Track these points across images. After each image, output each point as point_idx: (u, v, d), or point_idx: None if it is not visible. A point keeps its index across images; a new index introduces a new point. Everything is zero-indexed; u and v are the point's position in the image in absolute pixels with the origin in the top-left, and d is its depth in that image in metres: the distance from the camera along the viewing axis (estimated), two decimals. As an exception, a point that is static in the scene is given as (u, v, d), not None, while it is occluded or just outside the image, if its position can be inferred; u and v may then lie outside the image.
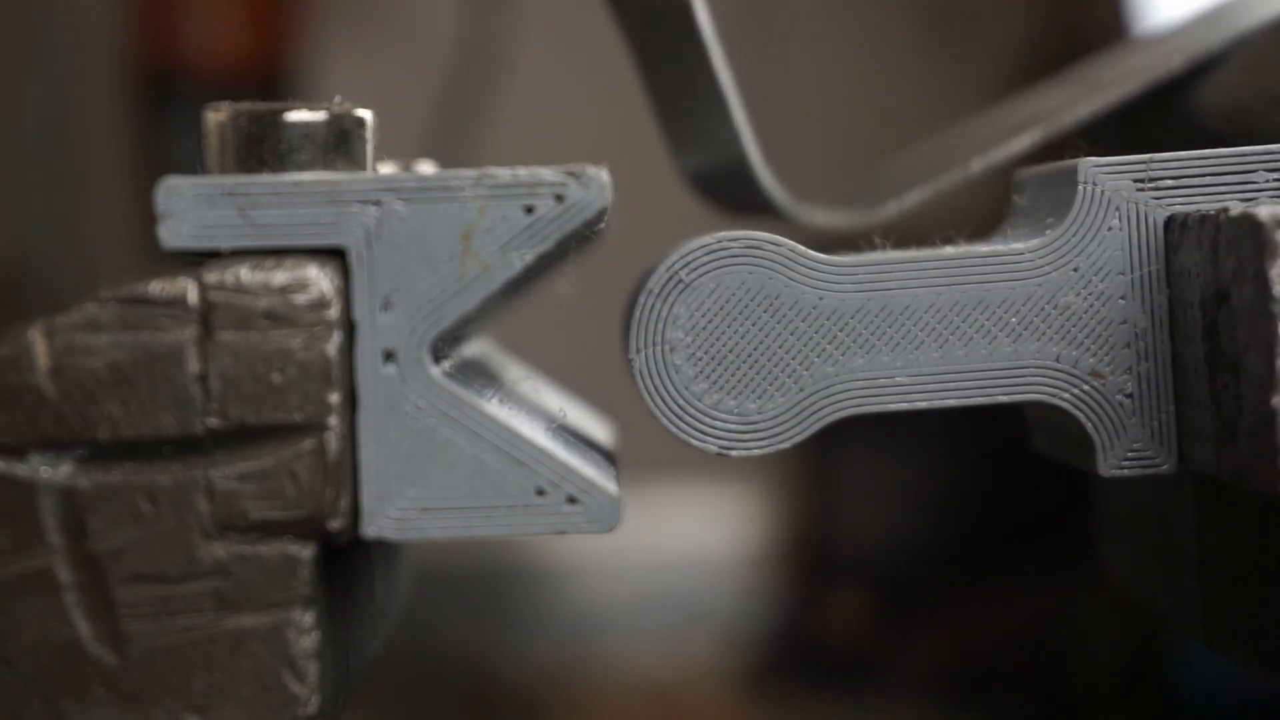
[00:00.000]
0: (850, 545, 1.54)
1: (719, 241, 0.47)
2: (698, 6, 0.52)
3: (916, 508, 1.54)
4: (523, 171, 0.45)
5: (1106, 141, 0.58)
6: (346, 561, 0.47)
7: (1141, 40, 0.59)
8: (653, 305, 0.47)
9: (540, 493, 0.45)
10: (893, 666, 1.43)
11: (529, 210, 0.45)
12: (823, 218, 0.54)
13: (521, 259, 0.45)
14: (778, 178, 0.55)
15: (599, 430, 0.61)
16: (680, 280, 0.47)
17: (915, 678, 1.41)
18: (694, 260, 0.47)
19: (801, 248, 0.47)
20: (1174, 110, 0.54)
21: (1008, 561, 1.47)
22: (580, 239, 0.46)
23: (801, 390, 0.47)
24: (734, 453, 0.47)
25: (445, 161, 0.57)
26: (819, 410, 0.47)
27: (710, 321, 0.47)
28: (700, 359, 0.47)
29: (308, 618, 0.43)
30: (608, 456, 0.53)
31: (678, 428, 0.47)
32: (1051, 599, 1.40)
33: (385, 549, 0.55)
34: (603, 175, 0.45)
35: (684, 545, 1.67)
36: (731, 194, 0.56)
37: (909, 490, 1.53)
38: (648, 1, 0.54)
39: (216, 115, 0.46)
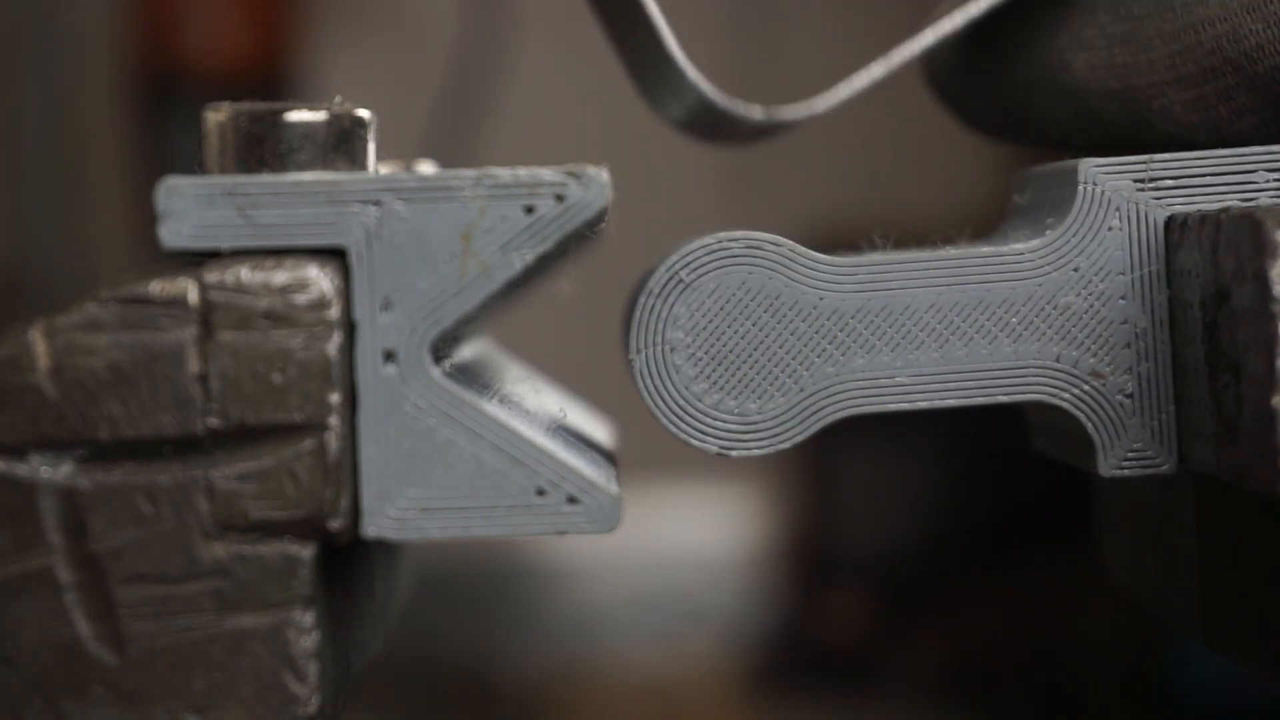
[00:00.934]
0: (850, 545, 1.54)
1: (719, 241, 0.47)
2: None
3: (916, 508, 1.54)
4: (523, 171, 0.45)
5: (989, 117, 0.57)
6: (346, 561, 0.47)
7: None
8: (653, 305, 0.47)
9: (540, 493, 0.45)
10: (893, 666, 1.43)
11: (529, 210, 0.45)
12: (760, 113, 0.54)
13: (522, 259, 0.45)
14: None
15: (599, 430, 0.61)
16: (680, 280, 0.47)
17: (915, 678, 1.41)
18: (694, 260, 0.47)
19: (802, 248, 0.47)
20: (1053, 82, 0.54)
21: (1008, 561, 1.47)
22: (580, 239, 0.46)
23: (802, 390, 0.47)
24: (734, 453, 0.47)
25: (445, 161, 0.57)
26: (819, 410, 0.47)
27: (710, 321, 0.47)
28: (700, 359, 0.47)
29: (308, 618, 0.43)
30: (608, 456, 0.53)
31: (678, 428, 0.47)
32: (1051, 599, 1.40)
33: (385, 549, 0.55)
34: (603, 175, 0.45)
35: (684, 545, 1.67)
36: (702, 126, 0.56)
37: (909, 490, 1.53)
38: None
39: (216, 115, 0.46)
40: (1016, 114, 0.56)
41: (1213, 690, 1.25)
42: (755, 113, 0.53)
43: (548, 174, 0.45)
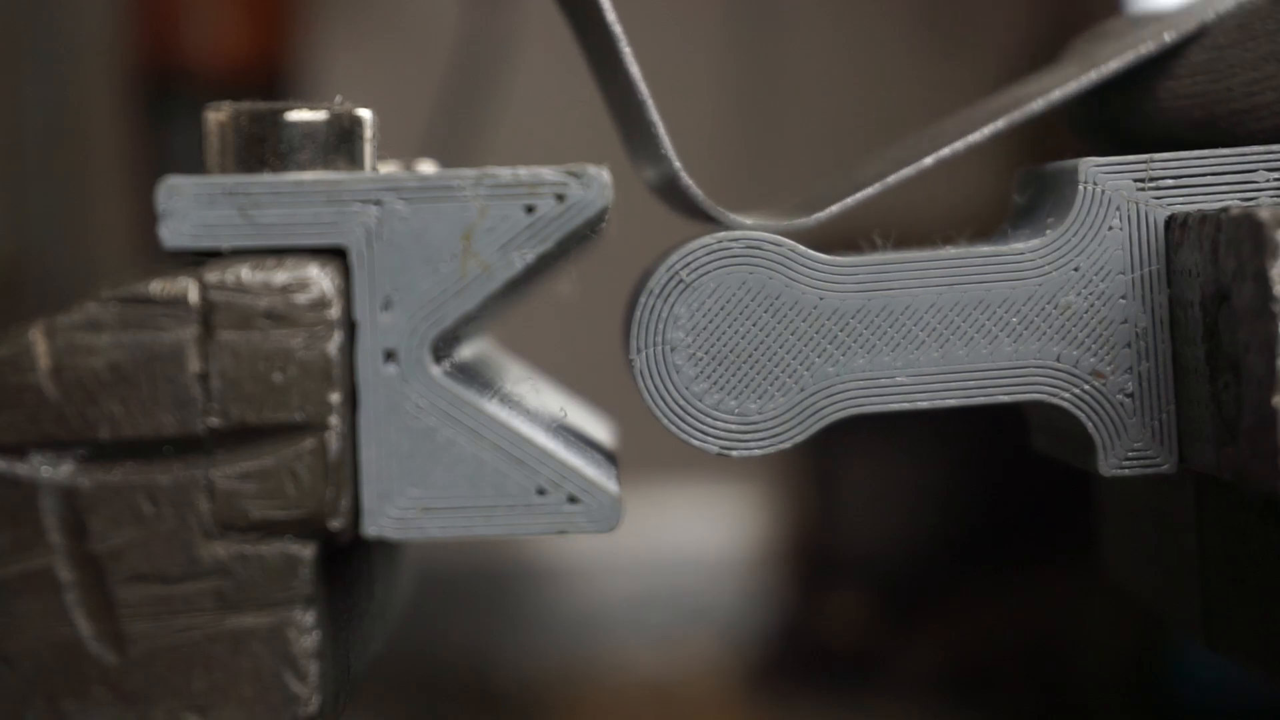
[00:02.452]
0: (850, 545, 1.54)
1: (720, 241, 0.47)
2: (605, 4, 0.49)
3: (917, 508, 1.54)
4: (523, 171, 0.45)
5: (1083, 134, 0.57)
6: (347, 561, 0.47)
7: (1118, 26, 0.57)
8: (653, 305, 0.47)
9: (541, 492, 0.45)
10: (893, 666, 1.43)
11: (530, 210, 0.45)
12: (752, 223, 0.51)
13: (522, 259, 0.45)
14: (768, 200, 0.53)
15: (599, 430, 0.61)
16: (681, 280, 0.47)
17: (915, 678, 1.41)
18: (695, 260, 0.47)
19: (802, 248, 0.47)
20: (1140, 110, 0.53)
21: (1008, 562, 1.47)
22: (581, 239, 0.46)
23: (802, 390, 0.47)
24: (735, 453, 0.47)
25: (446, 161, 0.57)
26: (820, 410, 0.47)
27: (711, 321, 0.47)
28: (701, 359, 0.47)
29: (308, 617, 0.43)
30: (608, 456, 0.53)
31: (678, 428, 0.47)
32: (1052, 599, 1.40)
33: (386, 549, 0.55)
34: (604, 175, 0.45)
35: (684, 545, 1.67)
36: (674, 201, 0.54)
37: (909, 490, 1.53)
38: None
39: (217, 115, 0.46)
40: (1119, 140, 0.55)
41: (1213, 690, 1.25)
42: (764, 227, 0.51)
43: (548, 173, 0.45)
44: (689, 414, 0.47)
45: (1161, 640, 1.28)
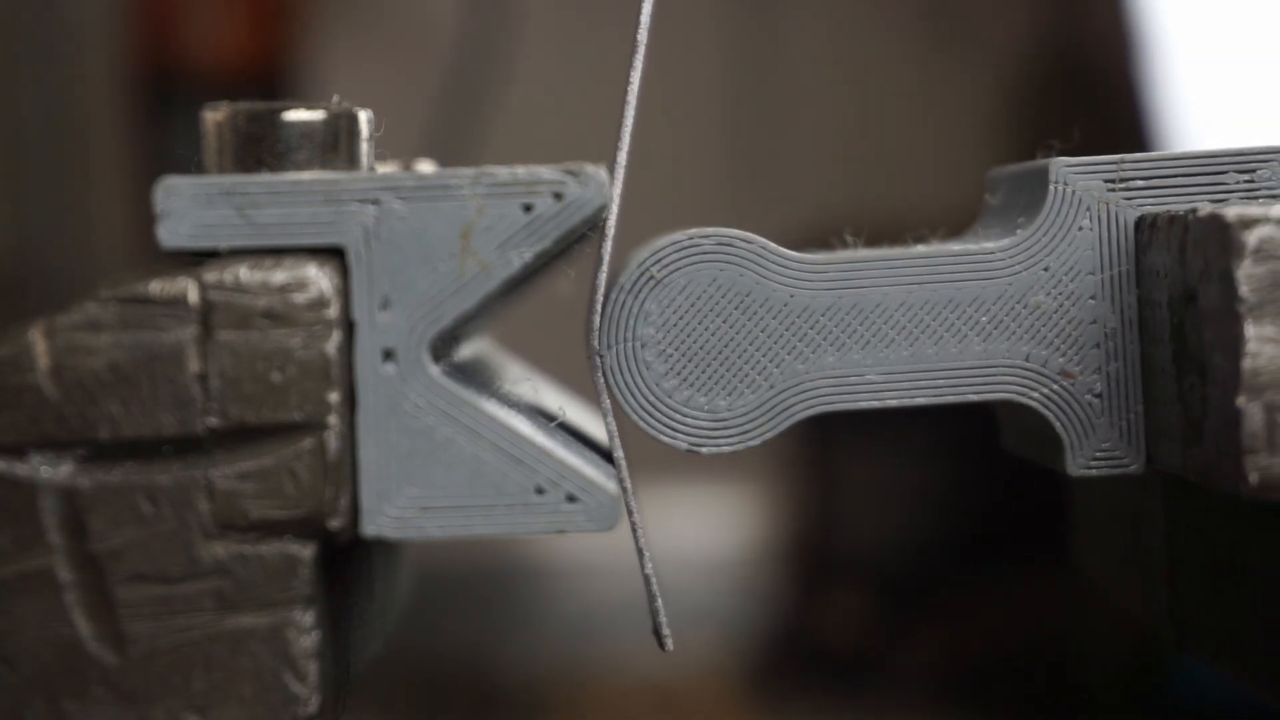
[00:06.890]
0: (850, 545, 1.55)
1: (690, 238, 0.47)
2: None
3: (916, 508, 1.54)
4: (521, 170, 0.45)
5: None
6: (346, 561, 0.47)
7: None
8: (624, 301, 0.47)
9: (540, 491, 0.45)
10: (893, 666, 1.43)
11: (528, 208, 0.45)
12: None
13: (520, 257, 0.45)
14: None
15: (599, 430, 0.61)
16: (652, 277, 0.47)
17: (915, 678, 1.41)
18: (665, 257, 0.47)
19: (773, 245, 0.47)
20: None
21: (1007, 562, 1.48)
22: (579, 237, 0.46)
23: (772, 387, 0.47)
24: (704, 450, 0.47)
25: (445, 161, 0.57)
26: (789, 407, 0.47)
27: (681, 318, 0.47)
28: (671, 355, 0.47)
29: (308, 617, 0.43)
30: (607, 456, 0.53)
31: (648, 424, 0.47)
32: (1051, 599, 1.40)
33: (385, 548, 0.55)
34: (601, 173, 0.45)
35: (684, 545, 1.67)
36: None
37: (909, 490, 1.53)
38: None
39: (215, 115, 0.46)
40: None
41: (1212, 690, 1.25)
42: None
43: (546, 172, 0.45)
44: (659, 410, 0.47)
45: (1160, 641, 1.28)
